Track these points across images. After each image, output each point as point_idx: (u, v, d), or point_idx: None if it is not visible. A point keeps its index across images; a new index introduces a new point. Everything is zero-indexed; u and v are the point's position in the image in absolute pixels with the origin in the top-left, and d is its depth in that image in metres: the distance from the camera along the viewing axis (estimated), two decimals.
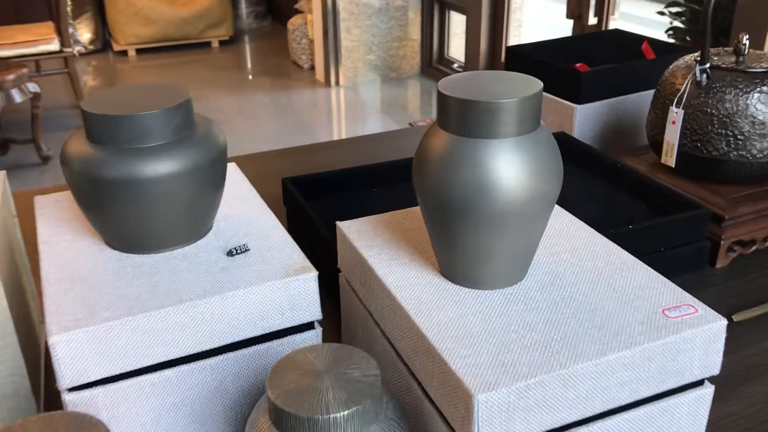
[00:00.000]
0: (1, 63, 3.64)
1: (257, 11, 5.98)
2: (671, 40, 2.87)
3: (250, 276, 0.66)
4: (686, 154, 1.05)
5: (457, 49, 4.50)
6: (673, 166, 1.07)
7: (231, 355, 0.66)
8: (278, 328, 0.67)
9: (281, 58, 5.34)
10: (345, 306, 0.77)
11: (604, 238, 0.72)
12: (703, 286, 0.98)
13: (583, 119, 1.26)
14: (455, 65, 4.44)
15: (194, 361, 0.65)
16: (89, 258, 0.70)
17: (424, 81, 4.76)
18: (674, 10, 2.96)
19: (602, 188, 1.12)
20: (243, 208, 0.79)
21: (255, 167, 1.38)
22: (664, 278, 0.65)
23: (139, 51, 5.49)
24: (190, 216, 0.70)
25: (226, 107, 4.45)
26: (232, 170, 0.88)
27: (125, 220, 0.67)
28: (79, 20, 5.33)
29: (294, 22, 5.00)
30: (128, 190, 0.65)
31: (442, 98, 0.59)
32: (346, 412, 0.53)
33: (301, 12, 4.98)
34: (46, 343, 0.74)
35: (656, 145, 1.10)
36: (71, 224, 0.76)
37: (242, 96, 4.71)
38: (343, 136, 4.07)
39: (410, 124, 3.99)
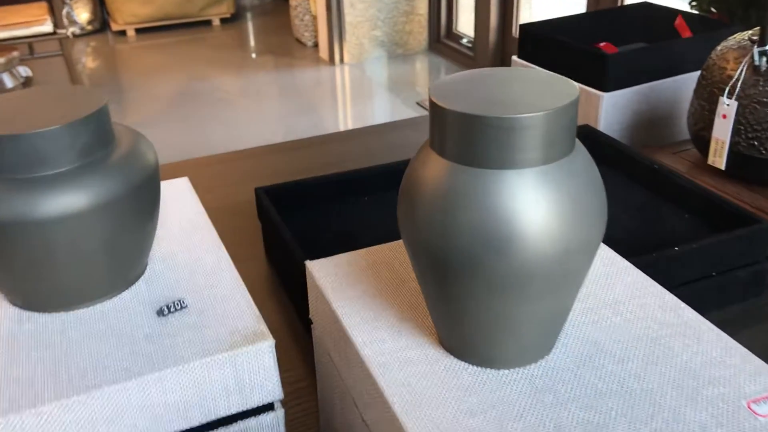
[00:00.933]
0: None
1: None
2: (694, 12, 2.67)
3: (185, 348, 0.50)
4: (740, 155, 0.87)
5: (466, 23, 4.29)
6: (723, 168, 0.89)
7: None
8: (224, 415, 0.51)
9: (284, 35, 5.15)
10: (321, 370, 0.61)
11: (655, 284, 0.54)
12: (763, 317, 0.81)
13: (611, 109, 1.08)
14: (464, 40, 4.23)
15: None
16: None
17: (432, 57, 4.56)
18: None
19: (636, 194, 0.94)
20: (188, 242, 0.62)
21: (236, 167, 1.21)
22: (744, 349, 0.48)
23: (138, 31, 5.32)
24: (109, 263, 0.53)
25: (228, 87, 4.29)
26: (183, 188, 0.71)
27: (22, 272, 0.51)
28: (74, 2, 5.15)
29: None
30: (21, 234, 0.49)
31: (436, 111, 0.41)
32: None
33: None
34: None
35: (701, 142, 0.92)
36: None
37: (244, 76, 4.55)
38: (349, 116, 3.90)
39: (418, 103, 3.81)
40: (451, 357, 0.48)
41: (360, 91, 4.23)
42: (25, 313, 0.54)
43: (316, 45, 4.77)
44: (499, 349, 0.45)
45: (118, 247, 0.53)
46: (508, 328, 0.44)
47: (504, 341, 0.45)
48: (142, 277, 0.57)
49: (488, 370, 0.46)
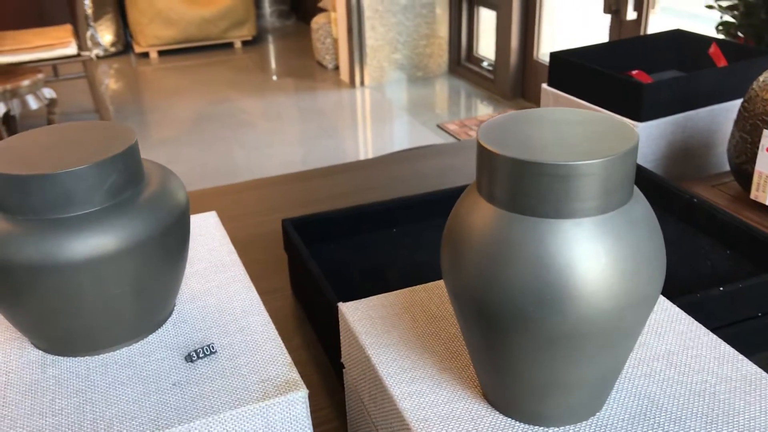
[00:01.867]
0: (16, 69, 3.52)
1: (280, 10, 5.83)
2: (721, 36, 2.63)
3: (214, 397, 0.47)
4: None
5: (486, 46, 4.29)
6: (767, 203, 0.86)
7: None
8: None
9: (305, 58, 5.18)
10: (352, 417, 0.58)
11: (709, 333, 0.51)
12: None
13: (646, 140, 1.05)
14: (485, 63, 4.22)
15: None
16: (1, 363, 0.51)
17: (452, 80, 4.56)
18: (725, 3, 2.72)
19: (674, 229, 0.91)
20: (217, 281, 0.60)
21: (259, 195, 1.20)
22: None
23: (161, 53, 5.37)
24: (137, 306, 0.51)
25: (249, 109, 4.31)
26: (211, 223, 0.69)
27: (47, 316, 0.49)
28: (100, 22, 5.21)
29: (318, 20, 4.84)
30: (47, 277, 0.47)
31: (484, 154, 0.39)
32: None
33: (325, 10, 4.82)
34: None
35: (742, 175, 0.89)
36: None
37: (266, 98, 4.57)
38: (369, 139, 3.89)
39: (438, 126, 3.79)
40: (496, 413, 0.45)
41: (380, 113, 4.23)
42: (49, 357, 0.52)
43: (336, 68, 4.79)
44: (547, 407, 0.43)
45: (147, 289, 0.51)
46: (558, 387, 0.41)
47: (553, 399, 0.42)
48: (170, 320, 0.55)
49: (536, 428, 0.44)
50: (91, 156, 0.48)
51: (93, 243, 0.47)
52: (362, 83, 4.55)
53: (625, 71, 1.19)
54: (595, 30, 3.39)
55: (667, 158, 1.07)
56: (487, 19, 4.32)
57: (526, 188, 0.37)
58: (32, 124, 3.86)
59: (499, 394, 0.44)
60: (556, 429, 0.43)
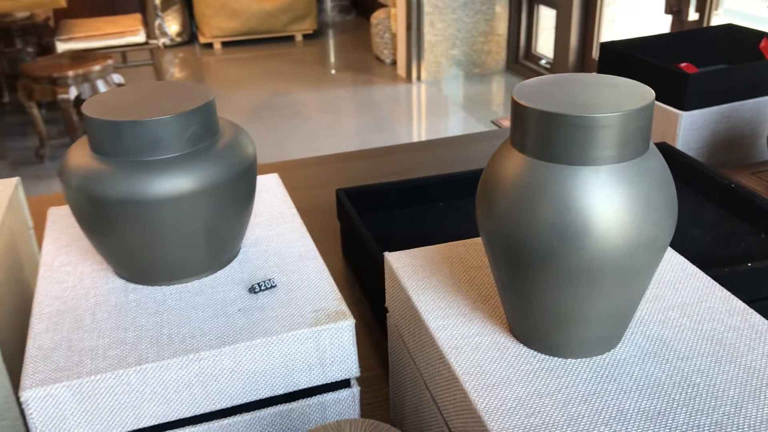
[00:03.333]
0: (87, 54, 3.68)
1: (341, 5, 5.91)
2: None
3: (273, 322, 0.54)
4: None
5: (545, 44, 4.29)
6: None
7: (247, 416, 0.54)
8: (305, 387, 0.55)
9: (364, 52, 5.25)
10: (393, 356, 0.64)
11: (725, 291, 0.56)
12: None
13: (689, 128, 1.08)
14: (543, 61, 4.23)
15: (202, 422, 0.53)
16: (90, 288, 0.59)
17: (509, 77, 4.57)
18: None
19: (712, 213, 0.94)
20: (278, 230, 0.67)
21: (316, 171, 1.27)
22: None
23: (224, 44, 5.52)
24: (208, 243, 0.58)
25: (306, 101, 4.40)
26: (273, 183, 0.76)
27: (131, 246, 0.56)
28: (168, 13, 5.39)
29: (377, 15, 4.90)
30: (134, 211, 0.54)
31: (517, 109, 0.45)
32: None
33: (385, 6, 4.88)
34: None
35: None
36: (81, 243, 0.65)
37: (323, 90, 4.65)
38: (423, 133, 3.94)
39: (492, 122, 3.82)
40: (520, 345, 0.50)
41: (435, 108, 4.27)
42: (131, 285, 0.59)
43: (394, 62, 4.84)
44: (566, 339, 0.48)
45: (217, 228, 0.58)
46: (577, 319, 0.47)
47: (572, 331, 0.47)
48: (236, 259, 0.62)
49: (555, 358, 0.49)
50: (175, 108, 0.55)
51: (174, 183, 0.54)
52: (419, 78, 4.59)
53: (675, 63, 1.22)
54: (656, 31, 3.36)
55: (710, 146, 1.10)
56: (546, 17, 4.32)
57: (553, 138, 0.43)
58: None
59: (523, 328, 0.50)
60: (573, 360, 0.49)
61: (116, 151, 0.54)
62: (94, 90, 3.55)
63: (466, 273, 0.59)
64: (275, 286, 0.58)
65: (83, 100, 3.65)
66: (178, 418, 0.52)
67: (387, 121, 4.15)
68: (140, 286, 0.59)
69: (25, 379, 0.49)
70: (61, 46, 3.95)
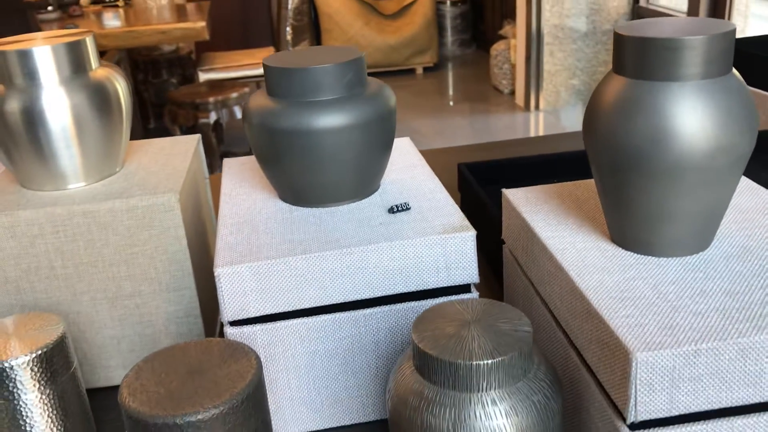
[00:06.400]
0: (226, 83, 4.01)
1: (462, 39, 6.07)
2: None
3: (408, 230, 0.66)
4: None
5: None
6: None
7: (385, 308, 0.65)
8: (433, 287, 0.66)
9: (482, 84, 5.37)
10: (507, 279, 0.74)
11: None
12: None
13: None
14: None
15: (349, 310, 0.65)
16: (262, 208, 0.73)
17: None
18: None
19: None
20: (411, 174, 0.79)
21: (437, 156, 1.39)
22: None
23: None
24: (357, 171, 0.71)
25: (424, 130, 4.55)
26: (406, 144, 0.88)
27: (297, 170, 0.70)
28: (298, 46, 5.74)
29: (497, 47, 5.02)
30: (301, 139, 0.68)
31: (618, 40, 0.55)
32: (490, 361, 0.50)
33: (505, 38, 4.99)
34: None
35: None
36: (251, 181, 0.80)
37: (441, 120, 4.79)
38: None
39: None
40: (620, 248, 0.59)
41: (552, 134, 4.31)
42: (294, 207, 0.73)
43: (512, 92, 4.93)
44: (658, 237, 0.57)
45: (364, 159, 0.70)
46: (667, 217, 0.55)
47: (663, 229, 0.56)
48: (377, 192, 0.75)
49: (649, 257, 0.58)
50: (334, 60, 0.68)
51: (332, 119, 0.67)
52: (537, 107, 4.65)
53: None
54: None
55: None
56: None
57: (646, 59, 0.52)
58: (236, 133, 4.35)
59: (621, 230, 0.59)
60: (666, 259, 0.57)
61: (289, 93, 0.68)
62: (232, 115, 3.86)
63: (574, 203, 0.68)
64: (410, 208, 0.70)
65: (220, 124, 3.94)
66: (331, 303, 0.64)
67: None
68: (301, 208, 0.72)
69: (218, 261, 0.63)
70: (203, 76, 4.31)
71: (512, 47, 4.76)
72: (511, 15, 4.86)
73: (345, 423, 0.69)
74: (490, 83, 5.21)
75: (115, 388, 0.76)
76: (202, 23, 3.64)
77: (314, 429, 0.69)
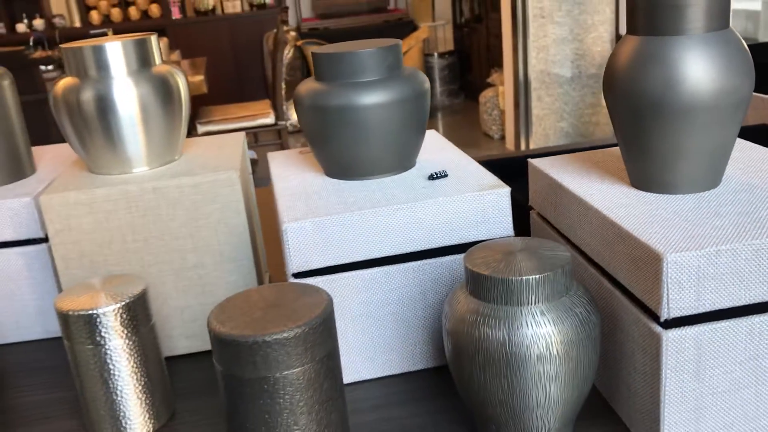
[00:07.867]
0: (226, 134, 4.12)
1: (451, 89, 6.25)
2: None
3: (448, 191, 0.73)
4: None
5: None
6: None
7: (431, 261, 0.73)
8: (473, 240, 0.73)
9: (473, 130, 5.50)
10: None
11: None
12: None
13: None
14: None
15: (398, 263, 0.72)
16: (313, 182, 0.81)
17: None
18: None
19: None
20: (443, 154, 0.87)
21: None
22: None
23: None
24: (397, 144, 0.79)
25: None
26: (434, 134, 0.97)
27: (345, 144, 0.78)
28: (291, 102, 5.90)
29: (486, 94, 5.17)
30: (347, 116, 0.76)
31: (631, 3, 0.64)
32: (537, 276, 0.57)
33: (493, 85, 5.14)
34: (270, 277, 0.86)
35: None
36: (298, 166, 0.88)
37: None
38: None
39: None
40: (640, 191, 0.67)
41: None
42: (341, 181, 0.81)
43: (502, 137, 5.06)
44: (674, 175, 0.65)
45: (403, 134, 0.79)
46: (681, 156, 0.63)
47: (678, 168, 0.64)
48: (415, 167, 0.83)
49: (667, 195, 0.66)
50: (377, 45, 0.77)
51: (376, 96, 0.76)
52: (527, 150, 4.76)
53: None
54: None
55: None
56: None
57: (656, 17, 0.61)
58: None
59: (640, 174, 0.67)
60: (682, 195, 0.65)
61: (336, 75, 0.77)
62: None
63: (594, 164, 0.76)
64: (447, 175, 0.78)
65: None
66: (381, 256, 0.71)
67: None
68: (348, 181, 0.80)
69: (284, 218, 0.70)
70: (201, 128, 4.42)
71: (501, 93, 4.91)
72: (498, 64, 5.03)
73: (395, 372, 0.75)
74: (481, 129, 5.35)
75: (178, 357, 0.82)
76: (200, 77, 3.77)
77: (368, 378, 0.75)
